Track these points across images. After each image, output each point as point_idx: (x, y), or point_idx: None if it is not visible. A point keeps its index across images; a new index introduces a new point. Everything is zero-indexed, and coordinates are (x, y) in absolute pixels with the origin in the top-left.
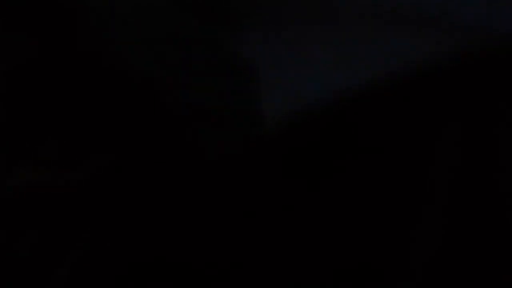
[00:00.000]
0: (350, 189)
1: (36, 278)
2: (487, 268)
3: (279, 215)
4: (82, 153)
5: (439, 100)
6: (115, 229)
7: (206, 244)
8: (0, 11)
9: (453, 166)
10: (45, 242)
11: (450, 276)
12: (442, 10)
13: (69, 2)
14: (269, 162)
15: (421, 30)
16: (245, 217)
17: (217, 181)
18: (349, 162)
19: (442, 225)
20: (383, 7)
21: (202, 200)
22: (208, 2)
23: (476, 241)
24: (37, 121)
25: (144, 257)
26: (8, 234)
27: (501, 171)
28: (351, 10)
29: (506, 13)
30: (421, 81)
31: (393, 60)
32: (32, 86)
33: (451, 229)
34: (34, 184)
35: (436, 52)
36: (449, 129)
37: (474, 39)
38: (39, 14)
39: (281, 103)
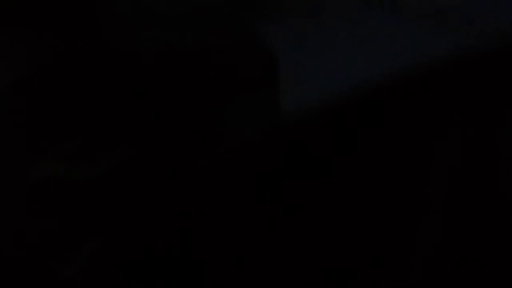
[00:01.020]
0: (350, 188)
1: (51, 268)
2: (487, 267)
3: (280, 212)
4: (102, 148)
5: (440, 100)
6: (130, 223)
7: (209, 241)
8: (29, 12)
9: (453, 166)
10: (63, 233)
11: (450, 275)
12: (449, 6)
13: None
14: (277, 154)
15: (440, 26)
16: (247, 215)
17: (224, 176)
18: (349, 162)
19: (442, 225)
20: (401, 4)
21: (213, 194)
22: None
23: (475, 241)
24: (61, 117)
25: (157, 251)
26: (28, 224)
27: (501, 171)
28: (365, 6)
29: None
30: (422, 81)
31: (409, 54)
32: (57, 85)
33: (451, 229)
34: (57, 177)
35: (444, 47)
36: (449, 129)
37: (478, 34)
38: (63, 14)
39: (300, 96)
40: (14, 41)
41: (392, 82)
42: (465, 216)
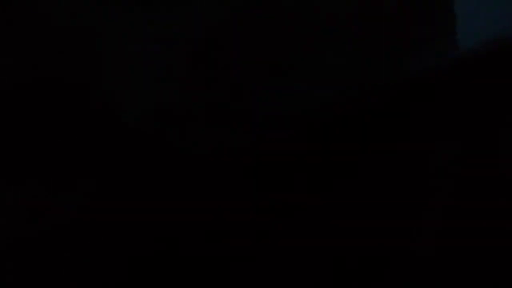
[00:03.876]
0: (352, 188)
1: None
2: (487, 267)
3: (281, 212)
4: (72, 180)
5: (440, 100)
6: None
7: (207, 241)
8: None
9: (454, 166)
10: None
11: (450, 274)
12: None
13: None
14: (274, 160)
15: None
16: (246, 216)
17: (217, 179)
18: (351, 162)
19: (442, 224)
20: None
21: (202, 199)
22: None
23: (475, 241)
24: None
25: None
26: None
27: (501, 171)
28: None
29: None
30: (422, 82)
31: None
32: (27, 112)
33: (451, 229)
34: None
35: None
36: (450, 130)
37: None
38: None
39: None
40: None
41: (394, 83)
42: (465, 215)
